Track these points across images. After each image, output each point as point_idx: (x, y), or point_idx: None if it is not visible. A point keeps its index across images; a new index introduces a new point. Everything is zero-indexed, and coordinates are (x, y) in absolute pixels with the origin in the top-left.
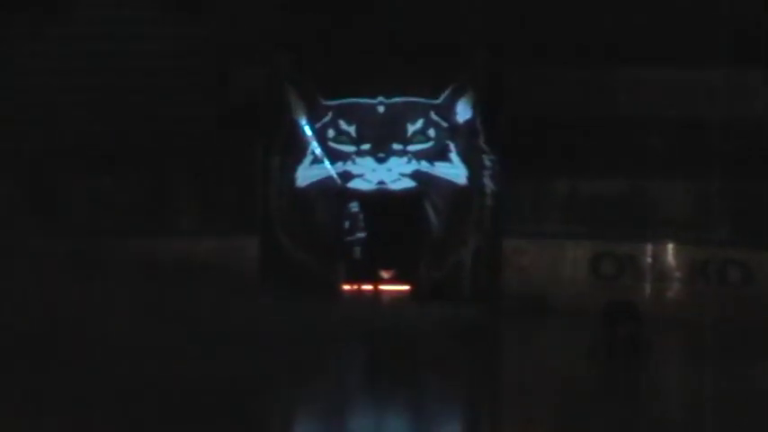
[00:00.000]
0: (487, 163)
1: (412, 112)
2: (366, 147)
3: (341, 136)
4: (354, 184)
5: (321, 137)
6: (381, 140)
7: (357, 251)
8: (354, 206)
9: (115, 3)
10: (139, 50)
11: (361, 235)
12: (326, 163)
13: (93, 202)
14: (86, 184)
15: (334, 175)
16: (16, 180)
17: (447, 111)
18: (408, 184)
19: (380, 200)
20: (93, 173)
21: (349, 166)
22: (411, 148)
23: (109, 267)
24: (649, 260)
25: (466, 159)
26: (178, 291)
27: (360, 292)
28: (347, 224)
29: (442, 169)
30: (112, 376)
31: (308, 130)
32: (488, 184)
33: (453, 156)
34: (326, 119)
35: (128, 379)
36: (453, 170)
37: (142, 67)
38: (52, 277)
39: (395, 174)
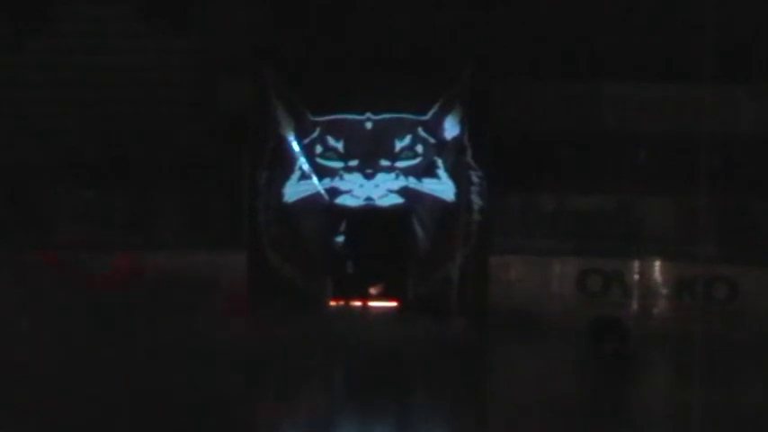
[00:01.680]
0: (475, 179)
1: (400, 129)
2: (354, 163)
3: (328, 152)
4: (342, 201)
5: (309, 152)
6: (369, 156)
7: (344, 267)
8: (342, 222)
9: (101, 15)
10: (125, 64)
11: (349, 251)
12: (314, 179)
13: (78, 215)
14: (71, 198)
15: (322, 192)
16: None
17: (435, 127)
18: (396, 200)
19: (368, 216)
20: (78, 186)
21: (337, 183)
22: (399, 164)
23: (94, 281)
24: (636, 276)
25: (453, 175)
26: (164, 305)
27: (347, 308)
28: (334, 240)
29: (429, 185)
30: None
31: (295, 146)
32: (476, 200)
33: (441, 172)
34: (314, 134)
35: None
36: (441, 186)
37: (128, 81)
38: (37, 290)
39: (382, 190)
